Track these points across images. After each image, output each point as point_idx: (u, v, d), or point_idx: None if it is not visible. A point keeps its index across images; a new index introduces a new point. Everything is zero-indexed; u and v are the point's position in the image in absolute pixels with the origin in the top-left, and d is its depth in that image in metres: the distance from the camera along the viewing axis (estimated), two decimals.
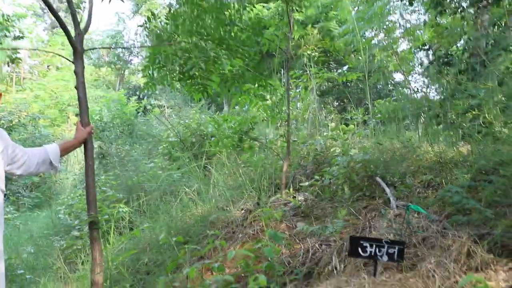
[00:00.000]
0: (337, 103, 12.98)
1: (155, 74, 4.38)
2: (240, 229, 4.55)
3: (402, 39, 11.15)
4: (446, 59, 8.47)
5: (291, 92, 6.43)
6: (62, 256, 6.05)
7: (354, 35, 8.62)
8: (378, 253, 3.02)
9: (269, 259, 3.34)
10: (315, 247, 3.85)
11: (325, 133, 6.32)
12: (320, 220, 4.39)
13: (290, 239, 4.11)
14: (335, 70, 7.63)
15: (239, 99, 5.27)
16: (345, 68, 7.35)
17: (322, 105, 10.08)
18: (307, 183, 4.79)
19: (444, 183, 3.96)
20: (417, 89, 9.62)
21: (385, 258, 2.98)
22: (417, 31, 10.52)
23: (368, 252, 3.03)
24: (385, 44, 10.09)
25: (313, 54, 5.82)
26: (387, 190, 4.03)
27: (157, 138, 9.80)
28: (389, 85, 18.56)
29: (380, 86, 18.29)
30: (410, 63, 10.56)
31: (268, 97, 5.59)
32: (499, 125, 4.13)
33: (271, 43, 5.16)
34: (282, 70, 6.89)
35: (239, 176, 5.58)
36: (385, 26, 9.90)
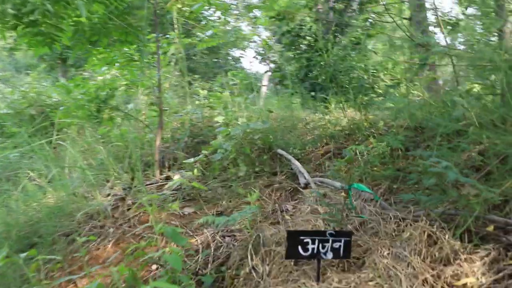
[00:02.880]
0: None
1: None
2: (111, 221, 3.28)
3: (241, 17, 10.59)
4: (297, 31, 8.21)
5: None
6: None
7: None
8: (321, 250, 2.14)
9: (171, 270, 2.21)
10: (216, 239, 2.84)
11: (197, 102, 5.22)
12: (212, 204, 3.36)
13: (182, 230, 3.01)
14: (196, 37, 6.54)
15: (98, 57, 3.86)
16: (208, 33, 6.27)
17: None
18: (192, 160, 3.65)
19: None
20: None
21: (330, 255, 2.14)
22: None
23: (310, 250, 2.14)
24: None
25: (183, 8, 4.65)
26: (297, 164, 3.16)
27: None
28: (230, 61, 18.12)
29: (222, 60, 17.71)
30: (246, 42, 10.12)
31: (136, 57, 4.27)
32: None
33: None
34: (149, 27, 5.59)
35: (98, 153, 4.22)
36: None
